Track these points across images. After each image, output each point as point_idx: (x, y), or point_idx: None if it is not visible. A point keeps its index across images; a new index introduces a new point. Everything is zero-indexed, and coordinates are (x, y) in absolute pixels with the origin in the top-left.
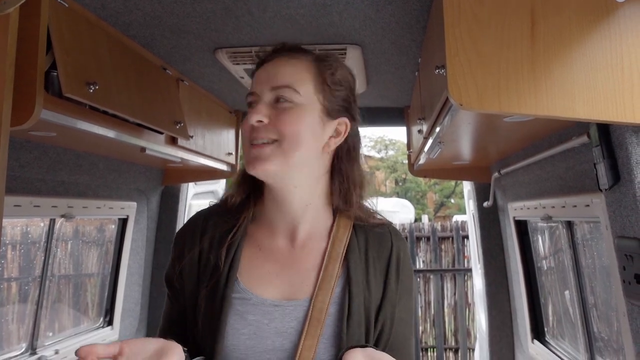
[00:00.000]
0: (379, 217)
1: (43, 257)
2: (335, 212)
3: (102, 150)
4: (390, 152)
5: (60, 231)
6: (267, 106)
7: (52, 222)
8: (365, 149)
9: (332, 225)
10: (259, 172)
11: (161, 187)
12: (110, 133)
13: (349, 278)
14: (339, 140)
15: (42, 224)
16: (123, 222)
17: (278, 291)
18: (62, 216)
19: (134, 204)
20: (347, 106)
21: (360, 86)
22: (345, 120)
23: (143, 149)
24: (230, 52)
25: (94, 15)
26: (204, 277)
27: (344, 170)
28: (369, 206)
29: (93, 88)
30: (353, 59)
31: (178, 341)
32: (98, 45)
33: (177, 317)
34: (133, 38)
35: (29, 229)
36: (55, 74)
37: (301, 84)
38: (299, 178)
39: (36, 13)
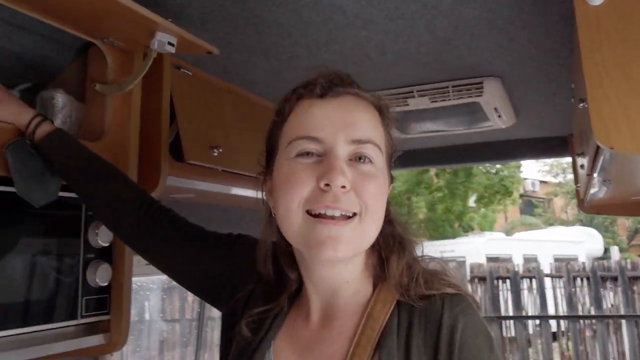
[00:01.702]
0: (442, 282)
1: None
2: (377, 281)
3: (247, 203)
4: (569, 176)
5: None
6: (345, 164)
7: None
8: (540, 174)
9: (369, 300)
10: (339, 257)
11: None
12: (242, 191)
13: None
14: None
15: None
16: None
17: None
18: None
19: None
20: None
21: (508, 119)
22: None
23: None
24: None
25: (219, 78)
26: (232, 330)
27: (381, 235)
28: (433, 269)
29: (217, 151)
30: (493, 92)
31: None
32: (223, 108)
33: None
34: (259, 95)
35: None
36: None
37: (381, 138)
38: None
39: (158, 86)
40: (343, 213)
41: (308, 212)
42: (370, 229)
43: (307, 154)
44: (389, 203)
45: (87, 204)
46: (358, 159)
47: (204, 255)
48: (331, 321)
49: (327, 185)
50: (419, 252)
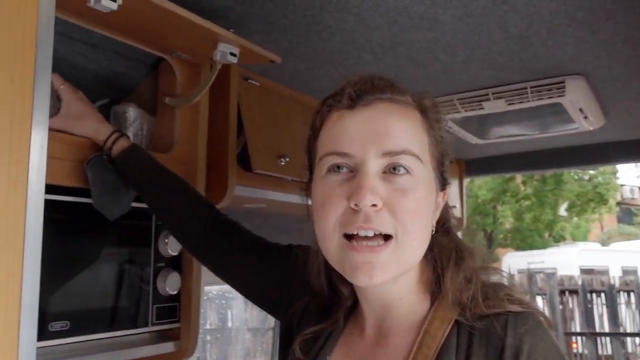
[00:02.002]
0: (506, 298)
1: None
2: (434, 298)
3: None
4: None
5: None
6: (377, 179)
7: None
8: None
9: (426, 316)
10: (375, 283)
11: None
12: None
13: None
14: (437, 215)
15: None
16: None
17: None
18: None
19: None
20: (446, 169)
21: (596, 120)
22: (446, 189)
23: None
24: None
25: (287, 87)
26: (289, 340)
27: (437, 247)
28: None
29: (284, 161)
30: (576, 92)
31: None
32: (290, 117)
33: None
34: None
35: None
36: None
37: (421, 144)
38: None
39: (226, 97)
40: (377, 233)
41: (345, 235)
42: (410, 249)
43: (338, 167)
44: (445, 211)
45: (157, 217)
46: (393, 169)
47: (265, 266)
48: (386, 338)
49: (356, 205)
50: (482, 264)
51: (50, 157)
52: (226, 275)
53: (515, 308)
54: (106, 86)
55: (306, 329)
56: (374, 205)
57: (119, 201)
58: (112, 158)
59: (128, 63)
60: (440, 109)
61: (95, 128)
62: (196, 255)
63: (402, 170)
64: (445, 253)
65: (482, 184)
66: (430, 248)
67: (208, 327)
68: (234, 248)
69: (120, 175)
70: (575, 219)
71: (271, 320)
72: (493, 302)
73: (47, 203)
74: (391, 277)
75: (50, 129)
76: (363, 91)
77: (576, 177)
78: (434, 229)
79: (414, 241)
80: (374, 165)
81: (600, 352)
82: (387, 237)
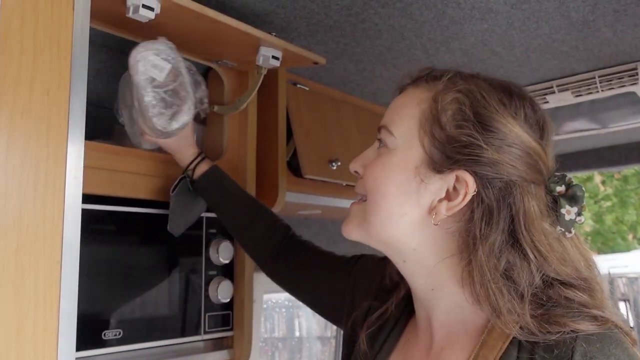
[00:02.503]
0: (580, 314)
1: None
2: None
3: None
4: None
5: None
6: (373, 152)
7: None
8: None
9: (484, 328)
10: (344, 231)
11: None
12: None
13: None
14: (456, 205)
15: None
16: None
17: None
18: None
19: None
20: (471, 153)
21: None
22: (466, 175)
23: None
24: None
25: (339, 91)
26: (352, 347)
27: (477, 257)
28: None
29: (335, 165)
30: None
31: None
32: (342, 121)
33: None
34: (384, 105)
35: None
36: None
37: (400, 123)
38: (400, 251)
39: (274, 103)
40: (360, 195)
41: None
42: (372, 215)
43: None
44: (495, 226)
45: (235, 237)
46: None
47: (334, 280)
48: (440, 345)
49: None
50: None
51: (118, 171)
52: (296, 290)
53: (587, 327)
54: None
55: (371, 318)
56: (356, 172)
57: (189, 219)
58: (193, 180)
59: None
60: (466, 85)
61: (186, 151)
62: (268, 273)
63: (381, 144)
64: (490, 266)
65: None
66: (465, 253)
67: (276, 335)
68: (306, 266)
69: (196, 196)
70: None
71: (333, 329)
72: (563, 321)
73: (101, 214)
74: (355, 235)
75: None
76: (405, 81)
77: None
78: (436, 221)
79: (377, 208)
80: (377, 139)
81: None
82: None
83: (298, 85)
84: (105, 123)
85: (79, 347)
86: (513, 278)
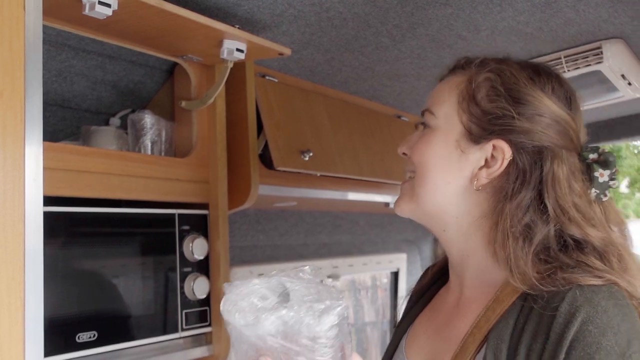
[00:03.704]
0: (585, 272)
1: None
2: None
3: (353, 207)
4: None
5: None
6: (417, 135)
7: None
8: None
9: (502, 284)
10: (397, 209)
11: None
12: (338, 195)
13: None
14: (494, 171)
15: None
16: (395, 275)
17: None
18: (329, 277)
19: (404, 255)
20: (505, 124)
21: None
22: (501, 143)
23: (387, 204)
24: None
25: (309, 82)
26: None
27: (504, 214)
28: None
29: (307, 156)
30: (615, 57)
31: None
32: (314, 111)
33: None
34: (355, 94)
35: None
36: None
37: (441, 104)
38: (443, 220)
39: (242, 96)
40: (410, 175)
41: None
42: (420, 188)
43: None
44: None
45: None
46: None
47: None
48: (465, 301)
49: None
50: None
51: (85, 171)
52: None
53: (588, 280)
54: (126, 96)
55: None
56: (404, 153)
57: None
58: None
59: (144, 71)
60: (497, 66)
61: None
62: None
63: (425, 127)
64: (511, 223)
65: None
66: (498, 214)
67: None
68: None
69: None
70: (638, 194)
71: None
72: (568, 277)
73: (73, 215)
74: (406, 209)
75: None
76: (449, 69)
77: (635, 150)
78: (477, 187)
79: (424, 180)
80: (420, 124)
81: None
82: None
83: (267, 77)
84: (71, 124)
85: (52, 352)
86: (531, 238)
